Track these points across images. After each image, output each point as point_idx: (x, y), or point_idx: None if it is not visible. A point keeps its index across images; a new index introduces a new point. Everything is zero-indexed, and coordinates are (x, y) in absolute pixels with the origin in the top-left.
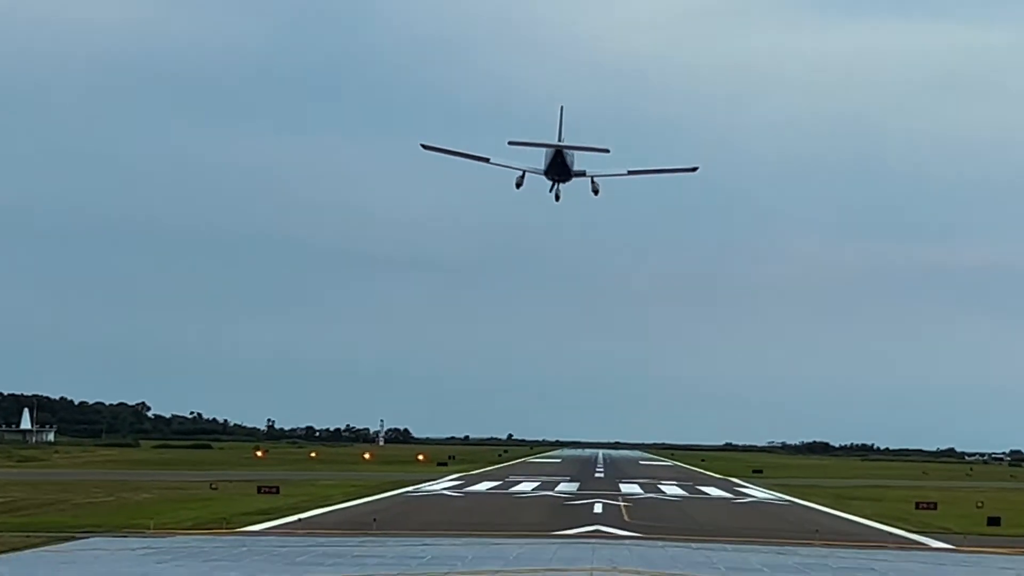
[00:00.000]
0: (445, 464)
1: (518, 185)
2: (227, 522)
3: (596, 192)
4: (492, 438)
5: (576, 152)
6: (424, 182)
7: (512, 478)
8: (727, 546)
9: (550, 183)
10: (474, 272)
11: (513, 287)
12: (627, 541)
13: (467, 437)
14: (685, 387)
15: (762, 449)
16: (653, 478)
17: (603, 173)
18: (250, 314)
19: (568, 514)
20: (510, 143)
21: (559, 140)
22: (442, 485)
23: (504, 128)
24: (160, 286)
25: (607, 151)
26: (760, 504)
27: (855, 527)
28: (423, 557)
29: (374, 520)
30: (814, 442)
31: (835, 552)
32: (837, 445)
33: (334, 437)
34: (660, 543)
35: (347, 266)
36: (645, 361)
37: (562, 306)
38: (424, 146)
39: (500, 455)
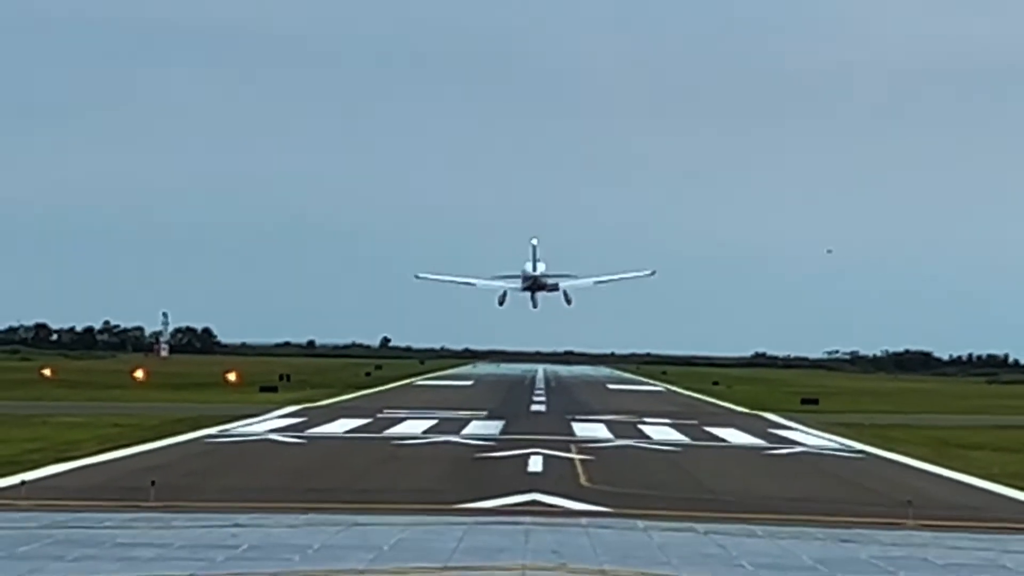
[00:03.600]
0: (274, 389)
1: (500, 302)
2: None
3: (569, 302)
4: (355, 345)
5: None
6: None
7: (389, 413)
8: (756, 528)
9: (529, 295)
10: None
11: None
12: (584, 519)
13: (311, 344)
14: (684, 258)
15: (817, 364)
16: (631, 413)
17: (572, 284)
18: None
19: (485, 474)
20: (494, 277)
21: (534, 268)
22: (269, 424)
23: None
24: None
25: (575, 276)
26: (812, 457)
27: (974, 496)
28: (234, 546)
29: (152, 484)
30: (906, 352)
31: (940, 538)
32: (946, 357)
33: (82, 342)
34: (640, 523)
35: None
36: (617, 210)
37: (479, 109)
38: (418, 276)
39: (369, 374)
